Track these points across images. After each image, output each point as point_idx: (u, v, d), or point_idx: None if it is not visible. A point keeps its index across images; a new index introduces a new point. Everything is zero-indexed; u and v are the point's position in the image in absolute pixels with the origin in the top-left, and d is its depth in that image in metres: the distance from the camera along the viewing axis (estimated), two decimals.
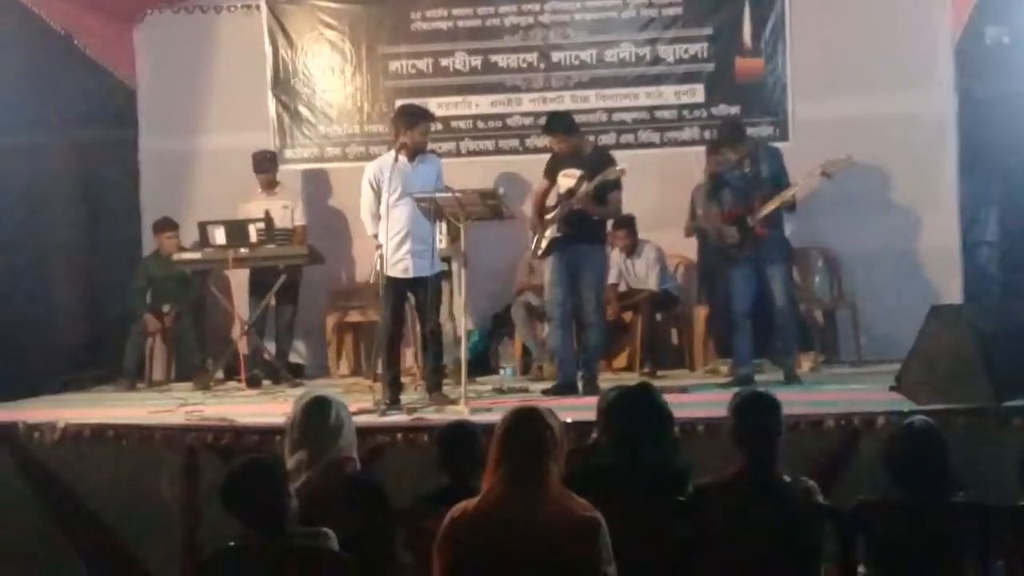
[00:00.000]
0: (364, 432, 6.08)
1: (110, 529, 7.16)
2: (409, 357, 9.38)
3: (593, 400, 5.37)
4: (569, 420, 5.83)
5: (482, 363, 10.14)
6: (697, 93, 10.61)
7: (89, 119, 10.94)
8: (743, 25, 10.51)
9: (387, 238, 8.05)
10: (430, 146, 9.20)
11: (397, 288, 8.20)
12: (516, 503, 3.97)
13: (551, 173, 8.73)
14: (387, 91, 10.90)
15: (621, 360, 10.13)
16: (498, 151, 10.85)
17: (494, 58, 10.86)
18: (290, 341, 10.40)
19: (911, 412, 6.31)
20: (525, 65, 10.83)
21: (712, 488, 4.74)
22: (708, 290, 9.93)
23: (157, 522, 6.99)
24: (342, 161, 10.97)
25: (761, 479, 4.66)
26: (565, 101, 10.61)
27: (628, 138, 10.61)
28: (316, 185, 10.97)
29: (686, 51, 10.62)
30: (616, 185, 8.45)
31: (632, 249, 10.01)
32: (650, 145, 10.62)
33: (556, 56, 10.79)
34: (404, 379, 8.57)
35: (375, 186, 8.27)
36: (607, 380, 8.34)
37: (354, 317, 10.59)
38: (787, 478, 4.70)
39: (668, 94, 10.65)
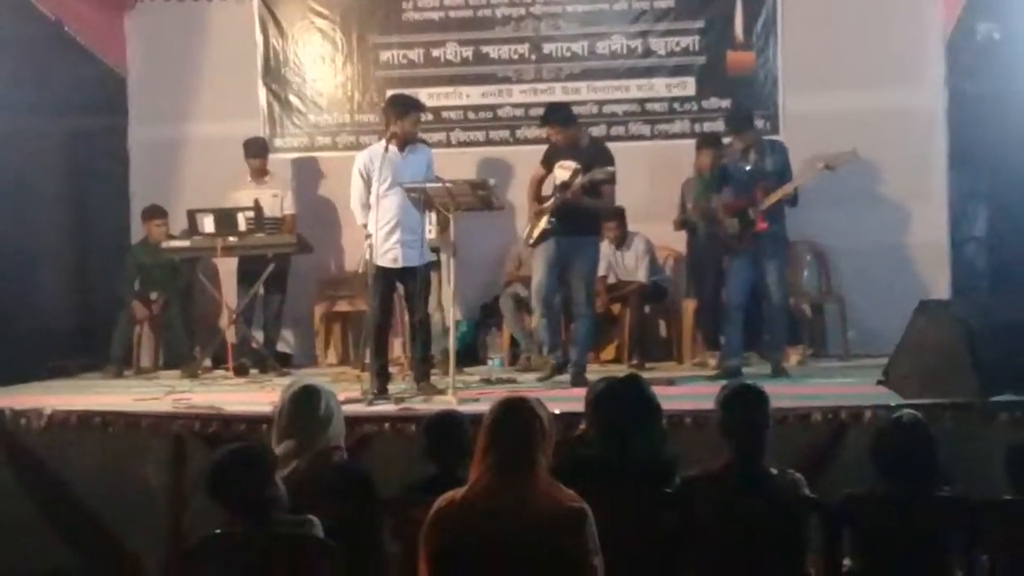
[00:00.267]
0: (352, 421, 6.07)
1: (96, 516, 7.14)
2: (397, 347, 9.39)
3: (581, 392, 5.37)
4: (557, 411, 5.82)
5: (470, 353, 10.14)
6: (688, 86, 10.62)
7: (79, 106, 10.90)
8: (735, 19, 10.51)
9: (376, 228, 8.04)
10: (423, 136, 9.23)
11: (386, 278, 8.19)
12: (503, 493, 3.96)
13: (548, 162, 8.75)
14: (378, 81, 10.88)
15: (609, 352, 10.14)
16: (489, 142, 10.85)
17: (485, 49, 10.85)
18: (278, 330, 10.39)
19: (898, 406, 6.30)
20: (516, 56, 10.82)
21: (699, 480, 4.75)
22: (697, 283, 9.95)
23: (144, 510, 6.97)
24: (332, 150, 10.96)
25: (748, 472, 4.67)
26: (556, 93, 10.61)
27: (619, 130, 10.60)
28: (306, 174, 10.96)
29: (677, 44, 10.62)
30: (609, 180, 8.46)
31: (621, 241, 10.03)
32: (641, 137, 10.63)
33: (547, 48, 10.79)
34: (392, 369, 8.56)
35: (365, 176, 8.26)
36: (595, 372, 8.35)
37: (342, 306, 10.60)
38: (774, 471, 4.72)
39: (659, 87, 10.65)
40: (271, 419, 5.19)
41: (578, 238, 8.54)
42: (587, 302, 8.63)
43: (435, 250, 8.98)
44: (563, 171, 8.57)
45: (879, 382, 7.65)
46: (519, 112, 10.77)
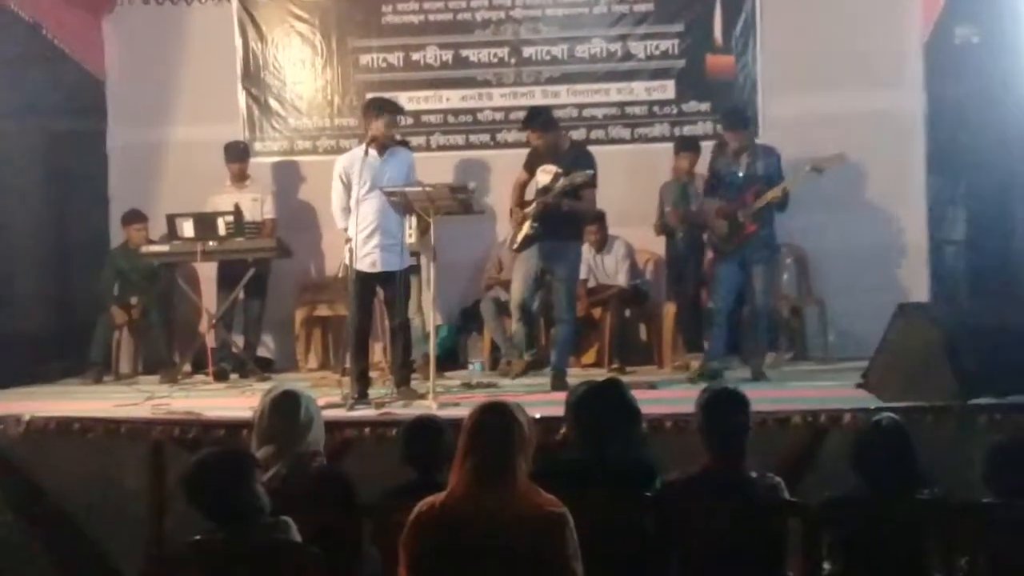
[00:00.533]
0: (332, 426, 6.07)
1: (76, 523, 7.15)
2: (378, 351, 9.37)
3: (561, 396, 5.38)
4: (538, 415, 5.84)
5: (451, 358, 10.12)
6: (668, 89, 10.62)
7: (58, 110, 10.88)
8: (714, 22, 10.52)
9: (356, 232, 8.03)
10: (402, 140, 9.24)
11: (365, 282, 8.17)
12: (483, 498, 3.97)
13: (530, 166, 8.78)
14: (358, 84, 10.86)
15: (590, 356, 10.15)
16: (469, 145, 10.83)
17: (465, 52, 10.83)
18: (258, 335, 10.35)
19: (877, 409, 6.35)
20: (496, 60, 10.82)
21: (679, 484, 4.76)
22: (677, 287, 9.96)
23: (123, 516, 6.97)
24: (312, 154, 10.92)
25: (728, 475, 4.68)
26: (536, 96, 10.63)
27: (598, 134, 10.60)
28: (286, 178, 10.92)
29: (657, 47, 10.63)
30: (590, 183, 8.47)
31: (602, 245, 10.03)
32: (620, 141, 10.62)
33: (527, 51, 10.78)
34: (372, 373, 8.55)
35: (345, 180, 8.24)
36: (576, 376, 8.35)
37: (323, 311, 10.57)
38: (754, 474, 4.73)
39: (639, 90, 10.66)
40: (251, 424, 5.17)
41: (560, 242, 8.56)
42: (568, 307, 8.65)
43: (415, 254, 8.97)
44: (544, 175, 8.59)
45: (858, 385, 7.69)
46: (499, 116, 10.77)
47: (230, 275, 9.94)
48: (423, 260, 9.23)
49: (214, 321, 9.83)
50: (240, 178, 10.28)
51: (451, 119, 10.84)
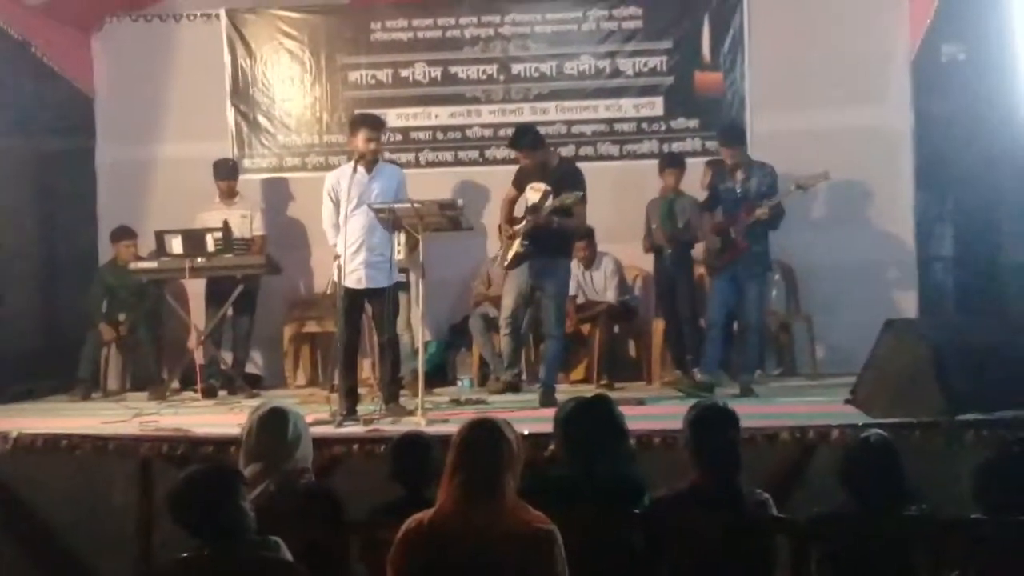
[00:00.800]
0: (320, 443, 6.07)
1: (63, 540, 7.13)
2: (366, 368, 9.37)
3: (550, 412, 5.38)
4: (526, 432, 5.84)
5: (439, 374, 10.12)
6: (656, 106, 10.65)
7: (46, 127, 10.83)
8: (702, 39, 10.55)
9: (344, 249, 8.04)
10: (391, 156, 9.25)
11: (353, 299, 8.17)
12: (471, 515, 3.97)
13: (519, 183, 8.82)
14: (346, 101, 10.86)
15: (579, 372, 10.16)
16: (457, 162, 10.85)
17: (454, 69, 10.86)
18: (247, 351, 10.34)
19: (865, 425, 6.36)
20: (485, 77, 10.84)
21: (668, 500, 4.76)
22: (665, 303, 9.96)
23: (111, 533, 6.95)
24: (301, 171, 10.94)
25: (717, 491, 4.68)
26: (524, 113, 10.66)
27: (587, 150, 10.63)
28: (275, 195, 10.93)
29: (645, 64, 10.66)
30: (578, 202, 8.48)
31: (590, 261, 10.05)
32: (609, 158, 10.65)
33: (516, 68, 10.80)
34: (361, 390, 8.53)
35: (333, 197, 8.24)
36: (564, 392, 8.33)
37: (311, 327, 10.56)
38: (742, 490, 4.72)
39: (627, 107, 10.68)
40: (239, 441, 5.16)
41: (549, 259, 8.58)
42: (557, 323, 8.66)
43: (404, 271, 8.97)
44: (534, 193, 8.63)
45: (847, 401, 7.69)
46: (488, 132, 10.79)
47: (219, 292, 9.93)
48: (412, 276, 9.23)
49: (202, 338, 9.81)
50: (229, 195, 10.28)
51: (440, 136, 10.86)
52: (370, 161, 8.17)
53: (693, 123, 10.56)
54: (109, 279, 10.24)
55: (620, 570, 4.62)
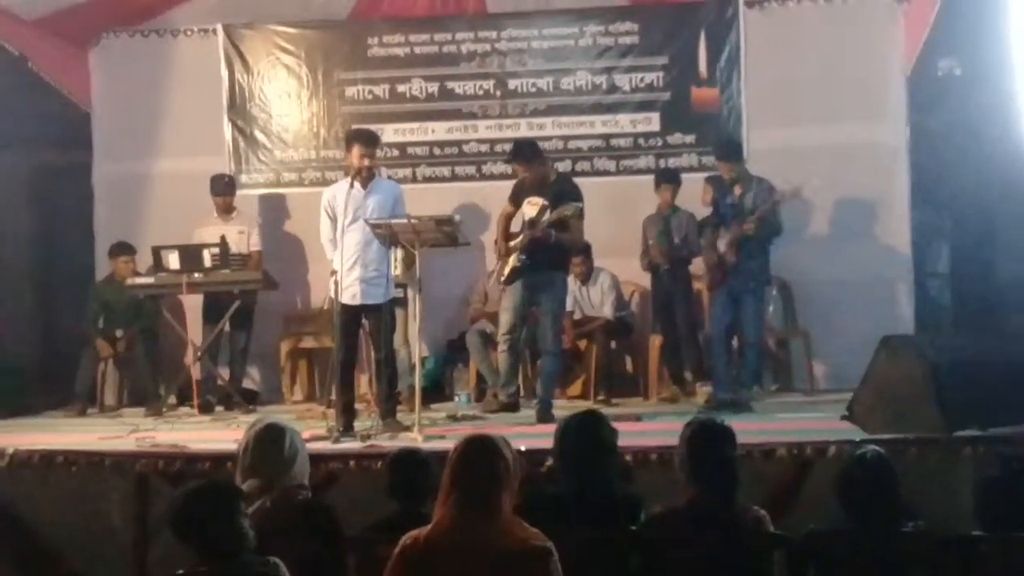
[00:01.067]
0: (317, 459, 6.07)
1: (60, 556, 7.10)
2: (363, 383, 9.36)
3: (547, 428, 5.39)
4: (523, 448, 5.84)
5: (436, 390, 10.13)
6: (653, 121, 10.66)
7: (43, 142, 10.86)
8: (698, 55, 10.57)
9: (341, 264, 8.04)
10: (388, 172, 9.25)
11: (350, 314, 8.17)
12: (468, 532, 3.96)
13: (516, 199, 8.81)
14: (343, 116, 10.87)
15: (576, 388, 10.14)
16: (454, 177, 10.86)
17: (451, 85, 10.88)
18: (244, 367, 10.34)
19: (862, 441, 6.35)
20: (482, 92, 10.86)
21: (664, 517, 4.75)
22: (662, 319, 9.95)
23: (107, 549, 6.94)
24: (298, 186, 10.94)
25: (713, 508, 4.68)
26: (521, 128, 10.66)
27: (584, 166, 10.65)
28: (272, 210, 10.93)
29: (642, 80, 10.68)
30: (577, 215, 8.50)
31: (587, 277, 10.04)
32: (606, 173, 10.66)
33: (512, 83, 10.83)
34: (358, 405, 8.53)
35: (330, 212, 8.24)
36: (562, 408, 8.33)
37: (308, 343, 10.56)
38: (738, 507, 4.72)
39: (624, 122, 10.70)
40: (236, 457, 5.15)
41: (546, 274, 8.58)
42: (554, 339, 8.66)
43: (401, 286, 8.97)
44: (531, 207, 8.63)
45: (843, 417, 7.67)
46: (485, 148, 10.80)
47: (216, 307, 9.93)
48: (409, 292, 9.23)
49: (199, 353, 9.80)
50: (226, 210, 10.29)
51: (437, 151, 10.87)
52: (366, 177, 8.17)
53: (689, 138, 10.57)
54: (106, 294, 10.23)
55: None
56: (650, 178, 10.15)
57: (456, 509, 4.01)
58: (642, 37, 10.68)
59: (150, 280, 9.77)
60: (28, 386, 10.36)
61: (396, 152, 10.73)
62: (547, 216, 8.46)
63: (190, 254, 9.61)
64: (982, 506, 4.73)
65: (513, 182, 8.98)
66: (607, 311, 10.03)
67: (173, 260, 9.60)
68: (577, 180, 9.10)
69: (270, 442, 4.95)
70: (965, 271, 10.53)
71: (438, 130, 10.88)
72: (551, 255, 8.57)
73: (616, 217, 10.18)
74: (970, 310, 10.20)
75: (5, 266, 10.93)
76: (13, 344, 10.76)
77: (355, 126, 9.44)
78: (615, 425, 5.19)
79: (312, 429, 7.72)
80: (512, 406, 8.85)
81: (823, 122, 10.23)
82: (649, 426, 8.00)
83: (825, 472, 6.12)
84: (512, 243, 8.69)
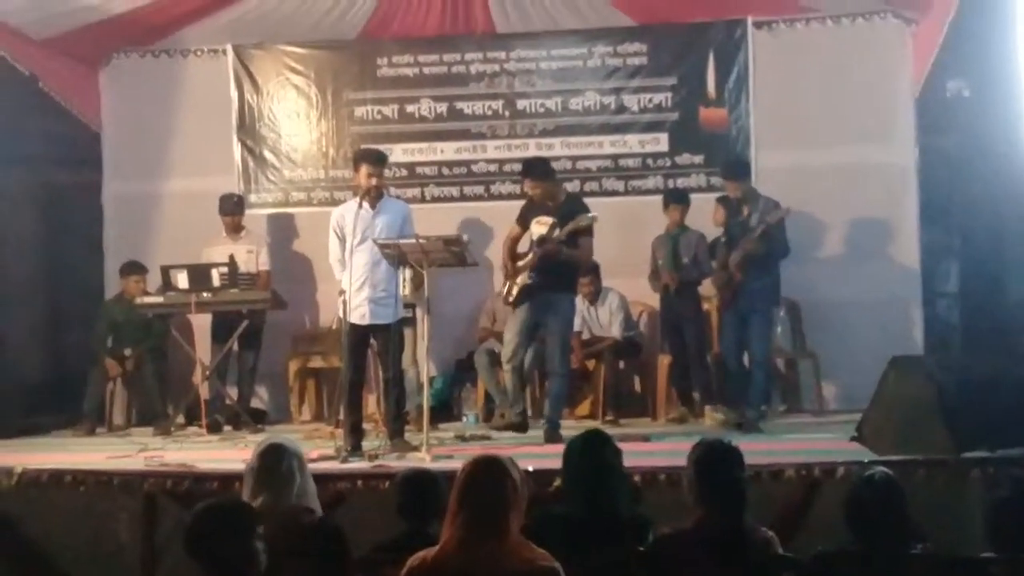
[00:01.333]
0: (325, 479, 6.08)
1: (67, 575, 7.09)
2: (371, 403, 9.35)
3: (555, 448, 5.39)
4: (530, 468, 5.83)
5: (445, 409, 10.13)
6: (661, 142, 10.68)
7: (53, 161, 10.86)
8: (707, 75, 10.60)
9: (349, 284, 8.05)
10: (396, 192, 9.27)
11: (358, 334, 8.18)
12: (475, 553, 3.95)
13: (524, 219, 8.82)
14: (352, 137, 10.90)
15: (584, 408, 10.14)
16: (463, 198, 10.88)
17: (459, 105, 10.90)
18: (252, 386, 10.35)
19: (871, 462, 6.34)
20: (490, 112, 10.88)
21: (672, 538, 4.73)
22: (673, 340, 9.93)
23: (115, 568, 6.95)
24: (307, 206, 10.96)
25: (721, 529, 4.66)
26: (530, 149, 10.66)
27: (592, 186, 10.66)
28: (281, 230, 10.95)
29: (650, 100, 10.70)
30: (588, 231, 8.50)
31: (595, 297, 10.04)
32: (614, 193, 10.68)
33: (521, 104, 10.85)
34: (366, 425, 8.51)
35: (339, 233, 8.26)
36: (570, 428, 8.33)
37: (316, 363, 10.58)
38: (746, 528, 4.70)
39: (632, 143, 10.72)
40: (243, 477, 5.15)
41: (554, 294, 8.58)
42: (561, 359, 8.65)
43: (410, 306, 8.98)
44: (540, 226, 8.63)
45: (852, 438, 7.66)
46: (493, 168, 10.83)
47: (224, 326, 9.94)
48: (418, 312, 9.23)
49: (208, 373, 9.79)
50: (235, 230, 10.30)
51: (445, 171, 10.90)
52: (374, 197, 8.18)
53: (698, 159, 10.59)
54: (115, 314, 10.24)
55: None
56: (658, 198, 10.16)
57: (463, 530, 4.00)
58: (651, 58, 10.71)
59: (159, 299, 9.77)
60: (37, 405, 10.34)
61: (405, 172, 10.76)
62: (557, 233, 8.46)
63: (199, 273, 9.62)
64: (993, 527, 4.70)
65: (522, 202, 9.00)
66: (615, 331, 10.03)
67: (182, 279, 9.60)
68: (586, 200, 9.11)
69: (270, 460, 4.96)
70: (974, 291, 10.49)
71: (447, 150, 10.90)
72: (560, 274, 8.57)
73: (624, 237, 10.19)
74: (979, 330, 10.15)
75: (14, 285, 10.91)
76: (22, 363, 10.76)
77: (363, 146, 9.49)
78: (623, 445, 5.18)
79: (320, 449, 7.77)
80: (520, 425, 8.84)
81: (832, 143, 10.25)
82: (657, 446, 8.00)
83: (834, 493, 6.11)
84: (520, 263, 8.70)
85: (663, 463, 6.71)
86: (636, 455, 5.13)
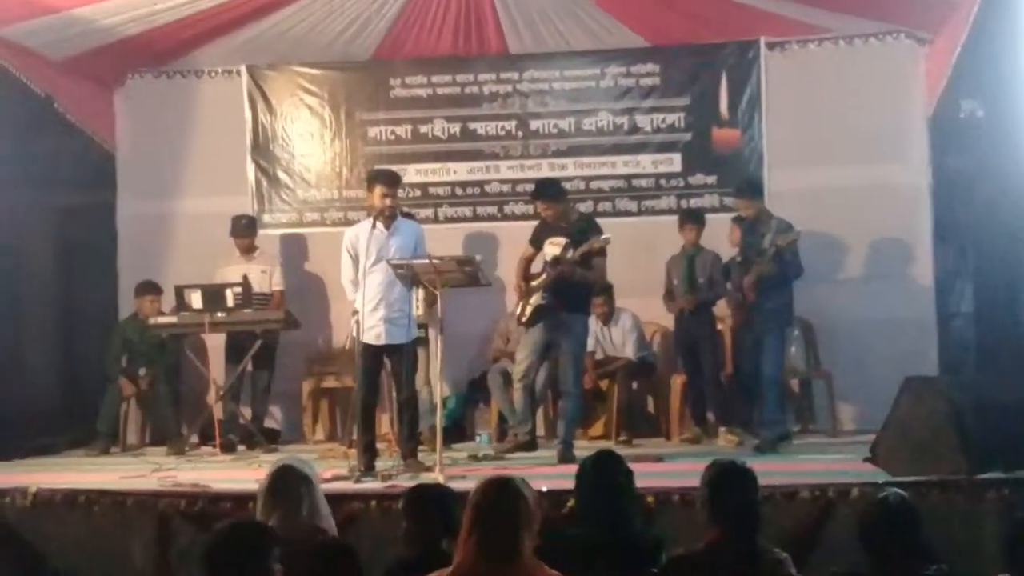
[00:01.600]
0: (338, 499, 6.07)
1: None
2: (385, 423, 9.35)
3: (568, 469, 5.38)
4: (544, 489, 5.84)
5: (458, 429, 10.11)
6: (674, 162, 10.68)
7: (68, 181, 10.90)
8: (720, 96, 10.60)
9: (363, 304, 8.06)
10: (408, 210, 9.31)
11: (372, 354, 8.19)
12: (488, 574, 3.95)
13: (537, 240, 8.82)
14: (366, 157, 10.92)
15: (597, 428, 10.12)
16: (476, 218, 10.89)
17: (473, 125, 10.93)
18: (266, 406, 10.35)
19: (885, 483, 6.32)
20: (503, 133, 10.90)
21: (685, 559, 4.72)
22: (688, 360, 9.91)
23: None
24: (320, 226, 10.98)
25: (734, 550, 4.65)
26: (543, 169, 10.68)
27: (605, 206, 10.66)
28: (294, 250, 10.97)
29: (663, 120, 10.71)
30: (601, 253, 8.51)
31: (609, 317, 10.04)
32: (627, 213, 10.67)
33: (534, 124, 10.87)
34: (379, 445, 8.53)
35: (352, 253, 8.29)
36: (583, 448, 8.29)
37: (330, 383, 10.57)
38: (760, 549, 4.69)
39: (645, 163, 10.72)
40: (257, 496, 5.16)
41: (567, 315, 8.58)
42: (574, 380, 8.65)
43: (423, 326, 8.99)
44: (553, 247, 8.63)
45: (866, 459, 7.65)
46: (506, 188, 10.84)
47: (238, 346, 9.95)
48: (431, 332, 9.24)
49: (222, 392, 9.82)
50: (248, 250, 10.32)
51: (458, 191, 10.91)
52: (388, 217, 8.21)
53: (711, 179, 10.59)
54: (129, 333, 10.26)
55: None
56: (671, 219, 10.16)
57: (476, 552, 4.00)
58: (663, 78, 10.72)
59: (173, 319, 9.79)
60: (51, 424, 10.37)
61: (418, 192, 10.77)
62: (571, 254, 8.46)
63: (213, 294, 9.64)
64: (1010, 549, 4.69)
65: (535, 223, 9.01)
66: (629, 351, 10.02)
67: (196, 299, 9.62)
68: (599, 220, 9.10)
69: (280, 481, 4.98)
70: (989, 311, 10.48)
71: (460, 170, 10.92)
72: (573, 295, 8.57)
73: (637, 257, 10.16)
74: (994, 349, 10.14)
75: (28, 305, 10.96)
76: (36, 382, 10.80)
77: (377, 166, 9.51)
78: (636, 466, 5.18)
79: (334, 469, 7.77)
80: (528, 444, 8.84)
81: (845, 163, 10.24)
82: (671, 467, 7.99)
83: (848, 514, 6.11)
84: (534, 283, 8.70)
85: (677, 484, 6.71)
86: (649, 476, 5.11)
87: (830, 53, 10.51)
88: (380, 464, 8.13)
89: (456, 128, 10.94)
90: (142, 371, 10.23)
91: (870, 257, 10.30)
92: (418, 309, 8.50)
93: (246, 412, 10.10)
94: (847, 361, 10.00)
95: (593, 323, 9.53)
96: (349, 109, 11.04)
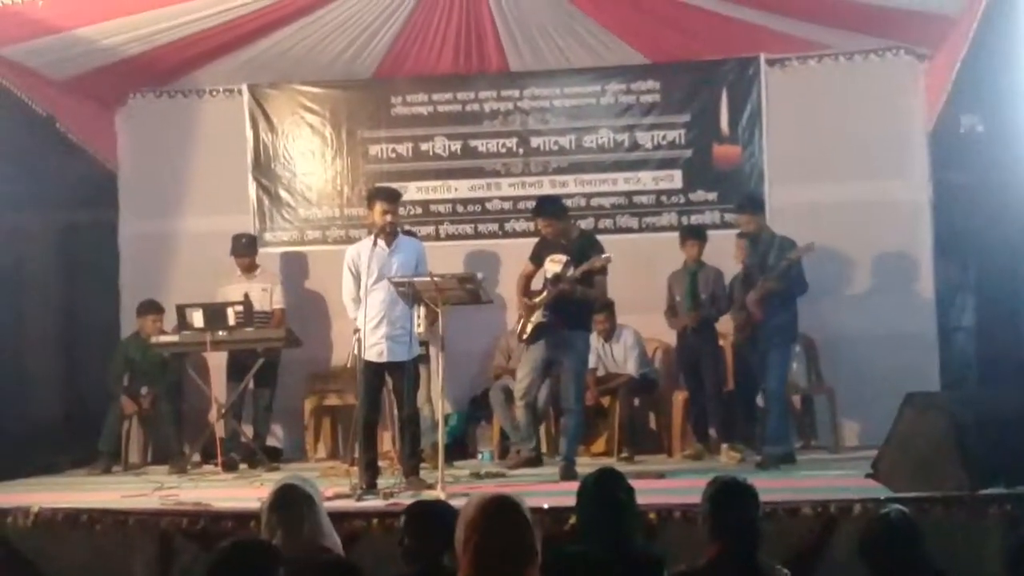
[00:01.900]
0: (340, 517, 6.06)
1: None
2: (387, 441, 9.35)
3: (570, 486, 5.37)
4: (546, 506, 5.83)
5: (459, 447, 10.11)
6: (675, 179, 10.70)
7: (70, 201, 10.90)
8: (720, 112, 10.62)
9: (364, 322, 8.06)
10: (410, 228, 9.31)
11: (373, 372, 8.19)
12: None
13: (537, 257, 8.83)
14: (367, 175, 10.93)
15: (599, 445, 10.12)
16: (477, 235, 10.91)
17: (473, 143, 10.95)
18: (267, 424, 10.35)
19: (887, 499, 6.32)
20: (504, 150, 10.92)
21: (687, 575, 4.72)
22: (690, 377, 9.91)
23: None
24: (322, 244, 10.99)
25: (737, 567, 4.65)
26: (544, 186, 10.70)
27: (606, 223, 10.67)
28: (295, 268, 10.98)
29: (664, 137, 10.72)
30: (602, 270, 8.52)
31: (610, 333, 10.04)
32: (628, 230, 10.69)
33: (535, 141, 10.88)
34: (382, 463, 8.52)
35: (354, 270, 8.29)
36: (585, 465, 8.31)
37: (332, 400, 10.57)
38: (761, 566, 4.69)
39: (646, 179, 10.74)
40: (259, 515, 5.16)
41: (568, 332, 8.58)
42: (576, 397, 8.65)
43: (424, 344, 8.99)
44: (554, 264, 8.63)
45: (868, 475, 7.64)
46: (507, 205, 10.85)
47: (240, 365, 9.96)
48: (432, 349, 9.24)
49: (223, 411, 9.82)
50: (248, 269, 10.33)
51: (459, 209, 10.92)
52: (389, 235, 8.22)
53: (712, 196, 10.60)
54: (131, 352, 10.26)
55: None
56: (672, 235, 10.16)
57: (477, 571, 3.99)
58: (664, 95, 10.75)
59: (175, 338, 9.81)
60: (53, 443, 10.36)
61: (419, 210, 10.79)
62: (572, 271, 8.47)
63: (214, 312, 9.66)
64: (1013, 564, 4.69)
65: (536, 240, 9.02)
66: (631, 368, 10.02)
67: (197, 318, 9.64)
68: (599, 237, 9.12)
69: (281, 499, 4.97)
70: (990, 325, 10.49)
71: (461, 188, 10.94)
72: (574, 312, 8.57)
73: (639, 274, 10.16)
74: (996, 364, 10.13)
75: (30, 324, 10.98)
76: (38, 401, 10.81)
77: (378, 184, 9.54)
78: (638, 482, 5.18)
79: (335, 487, 7.76)
80: (534, 460, 8.84)
81: (845, 179, 10.25)
82: (673, 484, 7.98)
83: (850, 531, 6.10)
84: (535, 300, 8.70)
85: (678, 500, 6.68)
86: (651, 492, 5.10)
87: (830, 69, 10.53)
88: (382, 482, 8.12)
89: (457, 146, 10.96)
90: (144, 390, 10.24)
91: (871, 272, 10.31)
92: (420, 326, 8.49)
93: (248, 430, 10.11)
94: (849, 376, 9.99)
95: (595, 340, 9.55)
96: (350, 127, 11.06)
